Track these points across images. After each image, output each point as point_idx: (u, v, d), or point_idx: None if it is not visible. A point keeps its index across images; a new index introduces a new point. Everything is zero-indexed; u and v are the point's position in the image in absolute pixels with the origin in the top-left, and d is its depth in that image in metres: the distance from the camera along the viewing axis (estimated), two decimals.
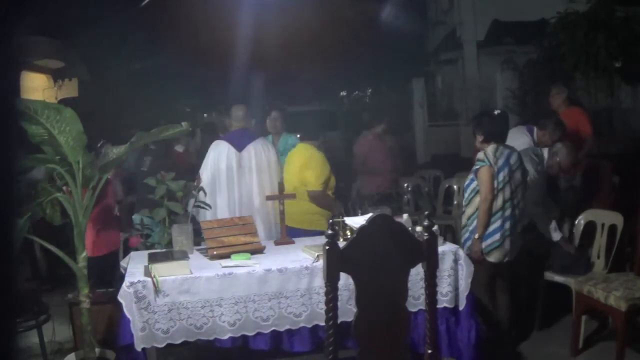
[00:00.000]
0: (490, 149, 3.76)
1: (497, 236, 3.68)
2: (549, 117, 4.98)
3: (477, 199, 3.73)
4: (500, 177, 3.70)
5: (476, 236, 3.67)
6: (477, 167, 3.77)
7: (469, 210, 3.80)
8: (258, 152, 4.17)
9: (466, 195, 3.87)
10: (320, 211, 4.17)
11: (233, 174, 4.11)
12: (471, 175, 3.82)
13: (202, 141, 5.31)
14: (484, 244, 3.67)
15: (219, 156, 4.14)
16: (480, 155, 3.80)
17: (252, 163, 4.13)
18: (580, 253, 4.19)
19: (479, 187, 3.72)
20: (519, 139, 4.82)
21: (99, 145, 4.86)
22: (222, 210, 4.07)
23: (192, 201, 3.82)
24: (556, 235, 4.17)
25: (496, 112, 3.86)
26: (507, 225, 3.71)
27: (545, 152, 4.24)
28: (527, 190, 4.05)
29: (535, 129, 4.84)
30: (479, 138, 3.85)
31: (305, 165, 4.17)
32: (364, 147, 6.37)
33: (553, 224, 4.17)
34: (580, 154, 5.10)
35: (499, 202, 3.70)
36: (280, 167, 4.39)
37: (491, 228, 3.69)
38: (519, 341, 4.06)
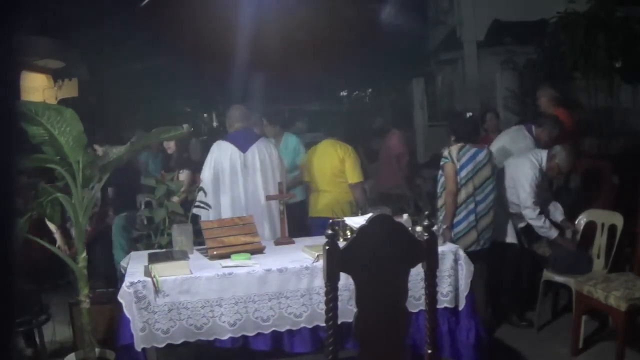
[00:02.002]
0: (455, 147, 4.17)
1: (462, 226, 4.10)
2: (547, 115, 5.00)
3: (444, 193, 4.18)
4: (463, 173, 4.10)
5: (444, 226, 4.03)
6: (442, 163, 4.22)
7: (440, 202, 4.24)
8: (262, 152, 4.17)
9: (438, 189, 4.30)
10: (349, 201, 4.60)
11: (238, 174, 4.10)
12: (440, 171, 4.26)
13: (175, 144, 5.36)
14: (452, 232, 4.04)
15: (222, 156, 4.12)
16: (445, 152, 4.22)
17: (256, 163, 4.13)
18: (581, 252, 4.19)
19: (445, 182, 4.17)
20: (522, 141, 4.82)
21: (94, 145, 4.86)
22: (225, 210, 4.06)
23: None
24: (552, 233, 4.18)
25: (468, 114, 4.27)
26: (472, 217, 4.11)
27: (544, 154, 4.24)
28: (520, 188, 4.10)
29: (533, 128, 4.85)
30: (452, 138, 4.34)
31: (343, 158, 4.65)
32: (400, 145, 6.39)
33: (547, 223, 4.17)
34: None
35: (462, 196, 4.11)
36: (284, 167, 4.43)
37: (456, 219, 4.11)
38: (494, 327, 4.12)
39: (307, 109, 13.10)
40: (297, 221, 4.63)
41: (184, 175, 4.83)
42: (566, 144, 4.39)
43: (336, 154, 4.71)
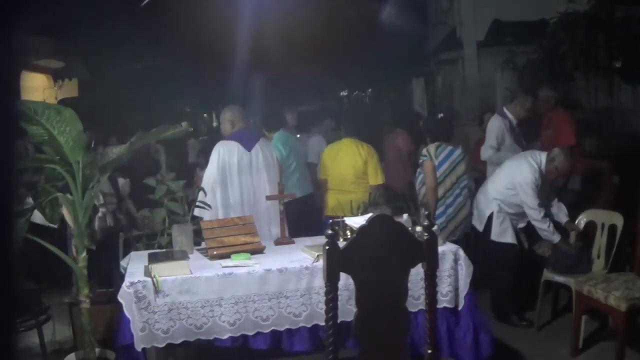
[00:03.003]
0: (432, 146, 4.58)
1: (441, 219, 4.45)
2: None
3: (424, 188, 4.56)
4: (441, 170, 4.51)
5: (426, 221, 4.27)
6: (421, 160, 4.62)
7: (419, 197, 4.64)
8: (264, 151, 4.21)
9: (417, 185, 4.71)
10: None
11: (246, 172, 4.12)
12: (419, 169, 4.68)
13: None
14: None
15: (229, 154, 4.12)
16: (423, 151, 4.63)
17: (260, 162, 4.15)
18: (581, 252, 4.18)
19: (425, 178, 4.55)
20: (490, 125, 5.12)
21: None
22: (235, 208, 4.07)
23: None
24: (555, 238, 4.17)
25: (439, 115, 4.72)
26: (450, 210, 4.52)
27: (544, 157, 4.24)
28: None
29: (504, 109, 5.07)
30: (428, 139, 4.78)
31: (366, 159, 4.73)
32: (410, 143, 6.42)
33: (551, 227, 4.17)
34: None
35: (440, 191, 4.50)
36: (279, 166, 4.44)
37: (438, 211, 4.48)
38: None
39: (306, 109, 13.06)
40: (296, 216, 4.60)
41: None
42: (565, 147, 4.40)
43: (359, 154, 4.75)
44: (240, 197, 4.09)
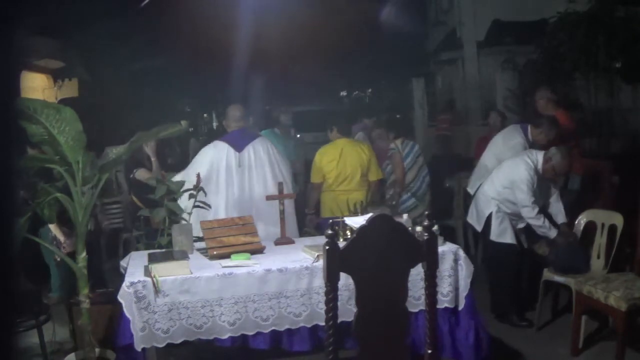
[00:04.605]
0: (398, 141, 5.36)
1: (409, 202, 5.22)
2: (545, 116, 5.04)
3: (393, 177, 5.30)
4: (406, 161, 5.26)
5: (393, 202, 5.02)
6: (390, 153, 5.34)
7: (388, 182, 5.32)
8: (257, 151, 4.16)
9: (386, 176, 5.32)
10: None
11: (232, 173, 4.10)
12: (387, 161, 5.39)
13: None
14: (400, 208, 5.00)
15: (218, 156, 4.11)
16: (392, 145, 5.37)
17: (252, 162, 4.12)
18: (579, 250, 4.18)
19: (394, 168, 5.28)
20: (512, 139, 4.94)
21: None
22: (219, 209, 4.04)
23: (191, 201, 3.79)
24: (552, 233, 4.17)
25: (397, 116, 5.31)
26: (415, 197, 5.22)
27: (540, 156, 4.23)
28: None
29: (529, 128, 4.88)
30: (391, 136, 5.52)
31: (369, 157, 4.85)
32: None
33: (546, 223, 4.16)
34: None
35: (408, 178, 5.25)
36: (288, 164, 4.39)
37: (404, 197, 5.25)
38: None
39: (306, 109, 13.04)
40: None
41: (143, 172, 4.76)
42: (562, 147, 4.38)
43: (364, 153, 4.79)
44: (225, 199, 4.06)
